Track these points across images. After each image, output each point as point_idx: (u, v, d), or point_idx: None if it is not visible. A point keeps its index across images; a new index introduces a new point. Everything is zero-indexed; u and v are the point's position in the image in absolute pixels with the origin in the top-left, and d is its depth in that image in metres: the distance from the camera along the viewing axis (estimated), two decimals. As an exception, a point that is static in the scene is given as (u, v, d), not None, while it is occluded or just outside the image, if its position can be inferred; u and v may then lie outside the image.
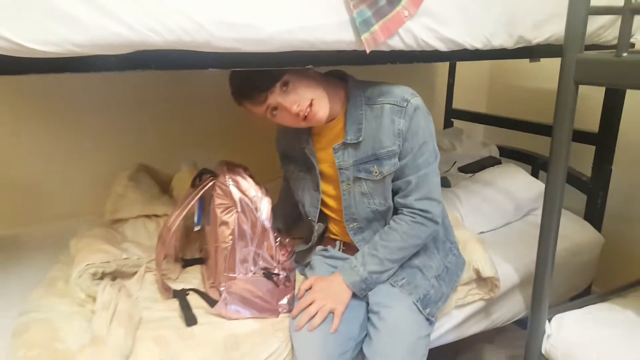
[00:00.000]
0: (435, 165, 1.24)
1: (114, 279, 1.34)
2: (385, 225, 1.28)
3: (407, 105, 1.16)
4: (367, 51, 1.01)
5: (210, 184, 1.28)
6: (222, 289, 1.24)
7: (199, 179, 1.33)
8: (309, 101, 1.11)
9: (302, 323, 1.18)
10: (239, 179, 1.25)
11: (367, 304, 1.26)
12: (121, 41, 0.80)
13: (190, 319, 1.20)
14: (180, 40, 0.84)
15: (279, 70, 1.08)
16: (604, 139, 1.81)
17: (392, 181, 1.23)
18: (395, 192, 1.25)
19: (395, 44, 1.07)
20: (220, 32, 0.86)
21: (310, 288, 1.27)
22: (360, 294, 1.24)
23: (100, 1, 0.77)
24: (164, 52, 0.86)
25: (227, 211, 1.24)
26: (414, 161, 1.19)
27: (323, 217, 1.40)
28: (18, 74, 0.83)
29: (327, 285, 1.25)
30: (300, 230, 1.57)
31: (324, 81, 1.18)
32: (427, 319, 1.24)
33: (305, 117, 1.12)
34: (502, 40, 1.22)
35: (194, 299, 1.29)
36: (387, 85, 1.23)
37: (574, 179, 1.95)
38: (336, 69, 1.30)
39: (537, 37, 1.28)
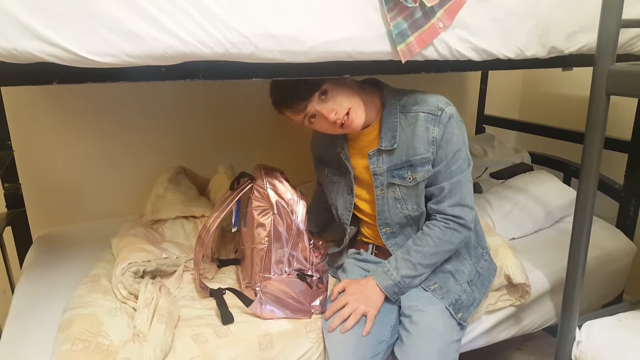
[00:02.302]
0: (469, 173, 1.25)
1: (153, 277, 1.39)
2: (418, 230, 1.30)
3: (441, 114, 1.19)
4: (403, 61, 1.05)
5: (248, 186, 1.32)
6: (257, 288, 1.28)
7: (237, 182, 1.38)
8: (346, 110, 1.15)
9: (335, 325, 1.21)
10: (275, 182, 1.29)
11: (399, 307, 1.29)
12: (173, 53, 0.85)
13: (227, 318, 1.24)
14: (228, 52, 0.89)
15: (317, 79, 1.13)
16: (637, 146, 1.80)
17: (426, 187, 1.25)
18: (428, 198, 1.27)
19: (430, 54, 1.10)
20: (265, 44, 0.91)
21: (343, 290, 1.30)
22: (392, 298, 1.27)
23: (156, 15, 0.82)
24: (211, 62, 0.91)
25: (263, 213, 1.29)
26: (448, 168, 1.22)
27: (355, 221, 1.43)
28: (76, 83, 0.88)
29: (361, 288, 1.27)
30: (332, 233, 1.60)
31: (360, 90, 1.22)
32: (459, 324, 1.25)
33: (342, 125, 1.16)
34: (534, 50, 1.23)
35: (230, 298, 1.33)
36: (421, 94, 1.26)
37: (606, 186, 1.93)
38: (372, 77, 1.34)
39: (570, 47, 1.29)
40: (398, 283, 1.25)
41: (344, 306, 1.24)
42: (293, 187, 1.32)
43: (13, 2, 0.74)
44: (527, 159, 2.37)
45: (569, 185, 2.05)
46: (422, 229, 1.29)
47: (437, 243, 1.24)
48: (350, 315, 1.21)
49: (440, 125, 1.19)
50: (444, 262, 1.31)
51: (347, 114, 1.15)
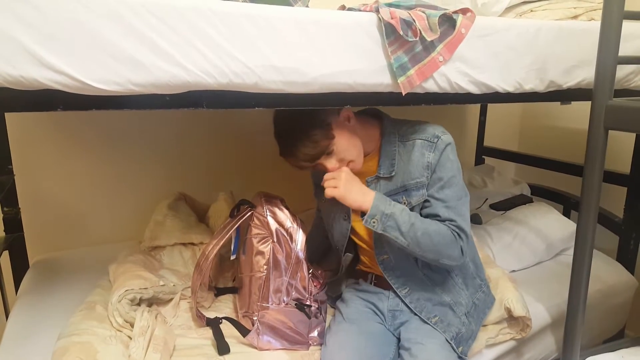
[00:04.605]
0: (466, 201, 1.25)
1: (150, 305, 1.38)
2: (415, 260, 1.30)
3: (437, 141, 1.21)
4: (403, 93, 1.07)
5: (248, 214, 1.32)
6: (254, 318, 1.27)
7: (237, 209, 1.38)
8: (346, 162, 1.23)
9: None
10: (276, 210, 1.30)
11: (398, 339, 1.27)
12: (177, 82, 0.87)
13: (223, 348, 1.22)
14: (231, 82, 0.90)
15: (325, 132, 1.17)
16: (637, 180, 1.80)
17: (422, 210, 1.25)
18: None
19: (430, 86, 1.12)
20: (268, 75, 0.93)
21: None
22: (366, 219, 1.19)
23: (161, 45, 0.84)
24: (215, 91, 0.93)
25: (263, 241, 1.28)
26: (442, 192, 1.21)
27: (353, 248, 1.43)
28: (80, 110, 0.89)
29: (360, 185, 1.22)
30: (329, 262, 1.59)
31: (360, 127, 1.25)
32: (459, 357, 1.23)
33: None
34: (533, 84, 1.26)
35: (226, 328, 1.31)
36: (420, 123, 1.28)
37: (606, 219, 1.93)
38: (372, 107, 1.36)
39: (568, 81, 1.31)
40: (385, 215, 1.18)
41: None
42: (293, 215, 1.32)
43: (21, 30, 0.75)
44: (527, 191, 2.37)
45: (569, 217, 2.05)
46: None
47: (437, 232, 1.19)
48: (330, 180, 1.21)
49: (436, 151, 1.21)
50: (442, 293, 1.30)
51: (347, 164, 1.22)
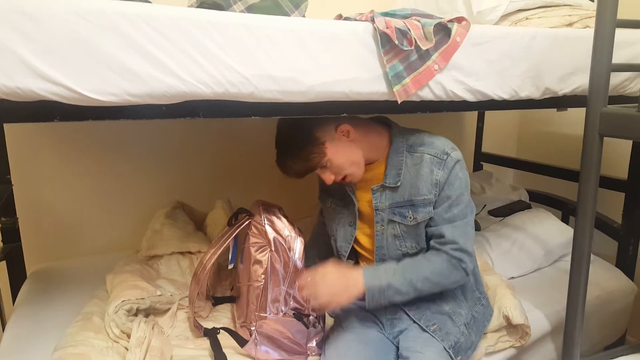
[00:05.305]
0: (471, 219, 1.25)
1: (147, 315, 1.37)
2: None
3: (447, 158, 1.20)
4: (399, 102, 1.07)
5: (246, 223, 1.32)
6: (252, 328, 1.26)
7: (235, 218, 1.38)
8: (342, 176, 1.24)
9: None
10: (274, 218, 1.29)
11: (397, 348, 1.26)
12: (173, 92, 0.87)
13: (220, 359, 1.21)
14: (227, 92, 0.91)
15: (319, 148, 1.18)
16: (634, 185, 1.80)
17: (427, 228, 1.25)
18: (429, 239, 1.26)
19: (425, 94, 1.12)
20: (264, 84, 0.93)
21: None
22: (368, 303, 1.18)
23: (157, 55, 0.85)
24: (211, 101, 0.93)
25: (261, 250, 1.28)
26: (449, 211, 1.21)
27: (354, 255, 1.42)
28: (77, 120, 0.89)
29: (342, 277, 1.20)
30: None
31: (364, 137, 1.25)
32: (458, 367, 1.23)
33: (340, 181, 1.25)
34: (529, 91, 1.26)
35: (224, 338, 1.31)
36: (429, 135, 1.27)
37: (604, 225, 1.93)
38: (381, 115, 1.36)
39: (564, 88, 1.32)
40: (383, 289, 1.18)
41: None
42: (291, 223, 1.32)
43: (18, 42, 0.76)
44: (525, 197, 2.37)
45: (568, 223, 2.05)
46: (424, 254, 1.26)
47: (435, 271, 1.21)
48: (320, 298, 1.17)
49: (445, 169, 1.19)
50: (441, 303, 1.29)
51: (344, 177, 1.24)
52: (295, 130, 1.19)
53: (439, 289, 1.25)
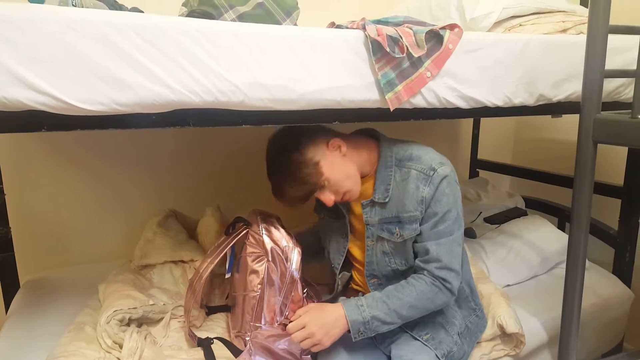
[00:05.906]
0: (458, 235, 1.22)
1: (139, 325, 1.36)
2: None
3: (433, 174, 1.18)
4: (391, 109, 1.07)
5: (244, 232, 1.31)
6: (247, 338, 1.25)
7: (232, 227, 1.37)
8: (342, 194, 1.22)
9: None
10: (272, 228, 1.28)
11: (388, 357, 1.25)
12: (162, 101, 0.87)
13: (214, 369, 1.21)
14: (217, 100, 0.90)
15: (315, 171, 1.17)
16: (630, 192, 1.80)
17: (414, 243, 1.23)
18: (416, 255, 1.24)
19: (418, 102, 1.12)
20: (254, 92, 0.93)
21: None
22: (354, 336, 1.17)
23: (145, 64, 0.84)
24: (201, 110, 0.92)
25: (257, 260, 1.27)
26: (435, 227, 1.19)
27: (348, 266, 1.41)
28: (65, 130, 0.88)
29: (323, 315, 1.17)
30: (324, 276, 1.57)
31: (355, 152, 1.24)
32: (451, 375, 1.21)
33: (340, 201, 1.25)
34: (522, 98, 1.26)
35: (218, 348, 1.29)
36: (418, 148, 1.25)
37: (601, 232, 1.93)
38: (368, 127, 1.35)
39: (558, 95, 1.32)
40: (367, 322, 1.16)
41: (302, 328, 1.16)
42: (289, 233, 1.31)
43: (4, 51, 0.75)
44: (521, 204, 2.36)
45: (564, 230, 2.04)
46: (407, 279, 1.23)
47: (419, 297, 1.18)
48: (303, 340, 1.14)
49: (431, 186, 1.17)
50: (434, 313, 1.27)
51: (343, 195, 1.22)
52: (287, 157, 1.17)
53: (426, 312, 1.22)
